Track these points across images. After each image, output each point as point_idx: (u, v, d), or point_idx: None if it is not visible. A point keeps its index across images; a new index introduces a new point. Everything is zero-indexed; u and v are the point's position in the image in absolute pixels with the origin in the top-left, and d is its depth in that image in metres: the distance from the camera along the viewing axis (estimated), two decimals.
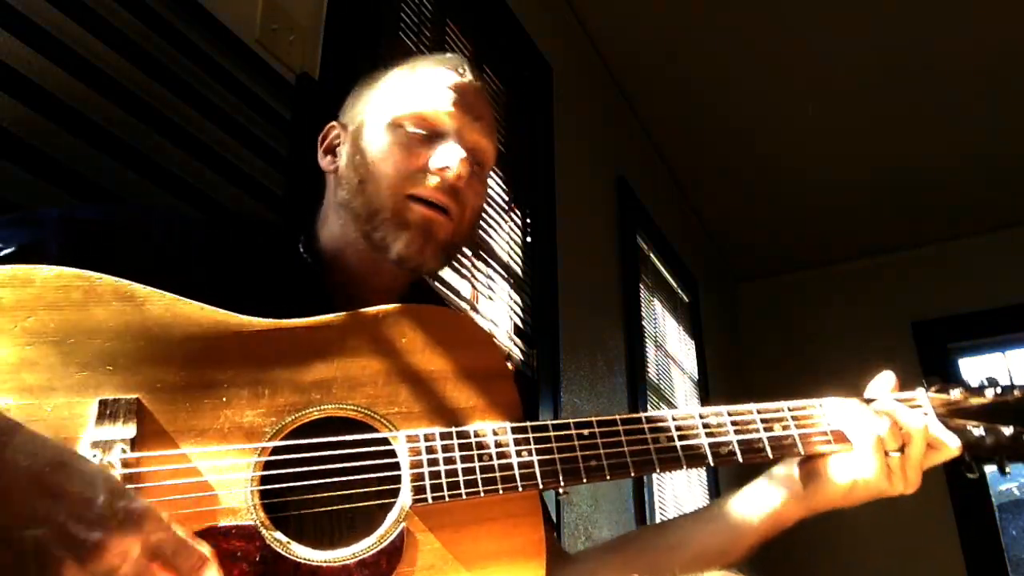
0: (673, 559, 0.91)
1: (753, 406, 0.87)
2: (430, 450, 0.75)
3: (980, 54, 2.95)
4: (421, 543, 0.72)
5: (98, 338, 0.69)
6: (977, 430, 0.88)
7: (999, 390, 0.90)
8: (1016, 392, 0.89)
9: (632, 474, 0.81)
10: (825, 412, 0.87)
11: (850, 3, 2.76)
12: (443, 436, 0.76)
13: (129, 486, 0.63)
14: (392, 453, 0.75)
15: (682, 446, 0.82)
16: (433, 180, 0.89)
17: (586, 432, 0.80)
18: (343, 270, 0.95)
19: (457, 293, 1.82)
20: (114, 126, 1.06)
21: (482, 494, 0.75)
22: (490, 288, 1.99)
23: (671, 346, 3.29)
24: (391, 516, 0.73)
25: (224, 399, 0.71)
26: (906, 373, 0.92)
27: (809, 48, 2.96)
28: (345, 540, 0.72)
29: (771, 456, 0.85)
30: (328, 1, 1.51)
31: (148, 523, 0.57)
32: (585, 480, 0.78)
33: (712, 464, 0.83)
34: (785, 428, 0.86)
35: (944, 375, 0.96)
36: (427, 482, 0.74)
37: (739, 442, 0.84)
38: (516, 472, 0.76)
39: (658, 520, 2.58)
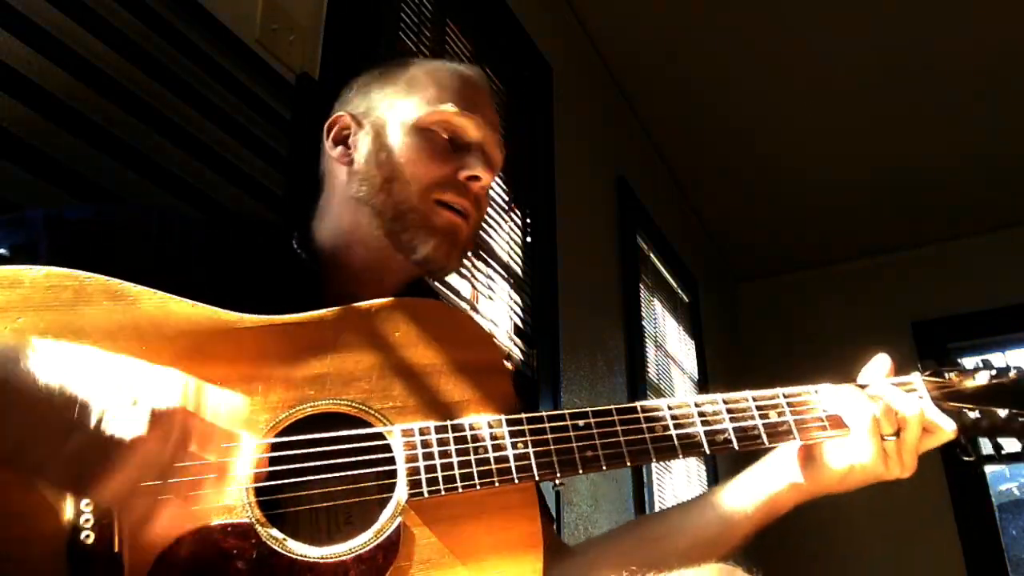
0: (668, 548, 0.91)
1: (748, 393, 0.86)
2: (425, 444, 0.75)
3: (980, 54, 2.95)
4: (417, 537, 0.72)
5: (88, 338, 0.68)
6: (972, 413, 0.88)
7: (994, 372, 0.89)
8: (1010, 374, 0.89)
9: (628, 464, 0.81)
10: (821, 398, 0.87)
11: (850, 3, 2.77)
12: (438, 430, 0.76)
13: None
14: (387, 448, 0.75)
15: (678, 435, 0.82)
16: (459, 187, 0.93)
17: (581, 423, 0.80)
18: (345, 266, 0.95)
19: (457, 293, 1.82)
20: (114, 126, 1.06)
21: (478, 487, 0.75)
22: (490, 288, 2.00)
23: (671, 346, 3.29)
24: (387, 511, 0.73)
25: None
26: (906, 374, 0.92)
27: (809, 48, 2.97)
28: (342, 536, 0.72)
29: (767, 443, 0.84)
30: (328, 1, 1.51)
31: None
32: (581, 471, 0.78)
33: (708, 452, 0.83)
34: (780, 415, 0.85)
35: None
36: (423, 476, 0.74)
37: (735, 429, 0.83)
38: (512, 464, 0.76)
39: None
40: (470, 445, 0.76)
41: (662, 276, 3.37)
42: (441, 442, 0.75)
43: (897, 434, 0.84)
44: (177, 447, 0.62)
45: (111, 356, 0.65)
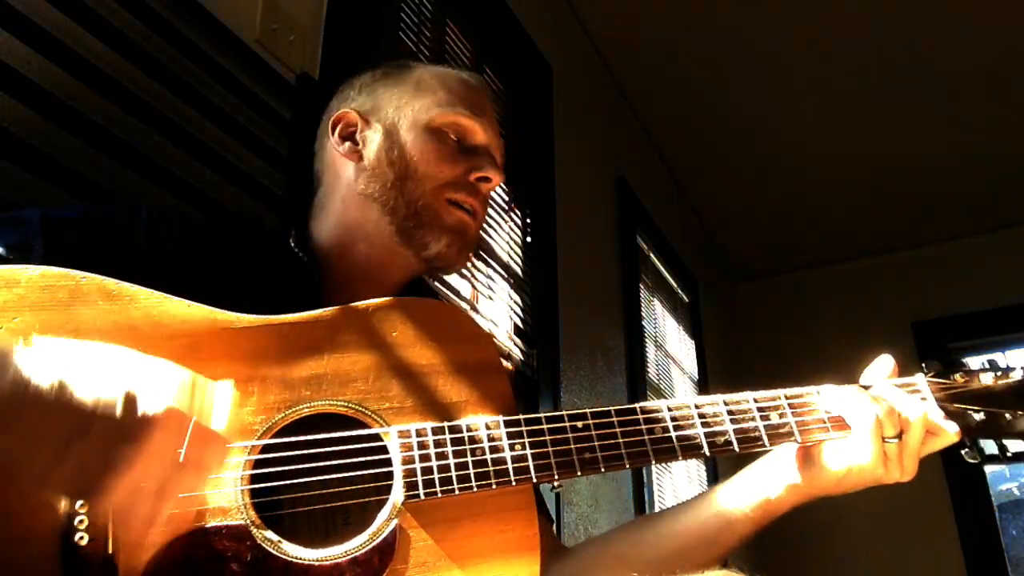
0: (664, 548, 0.91)
1: (749, 394, 0.85)
2: (422, 445, 0.75)
3: (980, 54, 2.95)
4: (414, 540, 0.72)
5: (84, 338, 0.68)
6: (977, 414, 0.87)
7: (998, 373, 0.88)
8: (1015, 375, 0.88)
9: (627, 466, 0.80)
10: (823, 399, 0.86)
11: (850, 3, 2.77)
12: (435, 431, 0.76)
13: None
14: (384, 449, 0.74)
15: (677, 436, 0.81)
16: (469, 187, 0.96)
17: (580, 424, 0.80)
18: (345, 263, 0.96)
19: (457, 293, 1.82)
20: (114, 126, 1.06)
21: (475, 489, 0.74)
22: (490, 288, 2.00)
23: (671, 346, 3.29)
24: (383, 513, 0.72)
25: (213, 398, 0.70)
26: (906, 373, 0.91)
27: (809, 48, 2.97)
28: (339, 537, 0.71)
29: (768, 444, 0.84)
30: (328, 1, 1.51)
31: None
32: (580, 473, 0.78)
33: (708, 454, 0.82)
34: (782, 416, 0.84)
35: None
36: (419, 478, 0.73)
37: (735, 431, 0.83)
38: (509, 466, 0.76)
39: None
40: (467, 447, 0.76)
41: (662, 276, 3.37)
42: (438, 443, 0.75)
43: (899, 437, 0.83)
44: (173, 449, 0.62)
45: (107, 357, 0.64)
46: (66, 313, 0.68)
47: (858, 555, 3.60)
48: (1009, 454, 0.88)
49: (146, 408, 0.61)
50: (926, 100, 3.18)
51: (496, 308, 2.01)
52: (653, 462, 0.82)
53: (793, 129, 3.38)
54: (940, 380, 0.89)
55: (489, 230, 2.06)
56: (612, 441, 0.80)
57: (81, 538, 0.61)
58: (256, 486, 0.70)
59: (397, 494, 0.73)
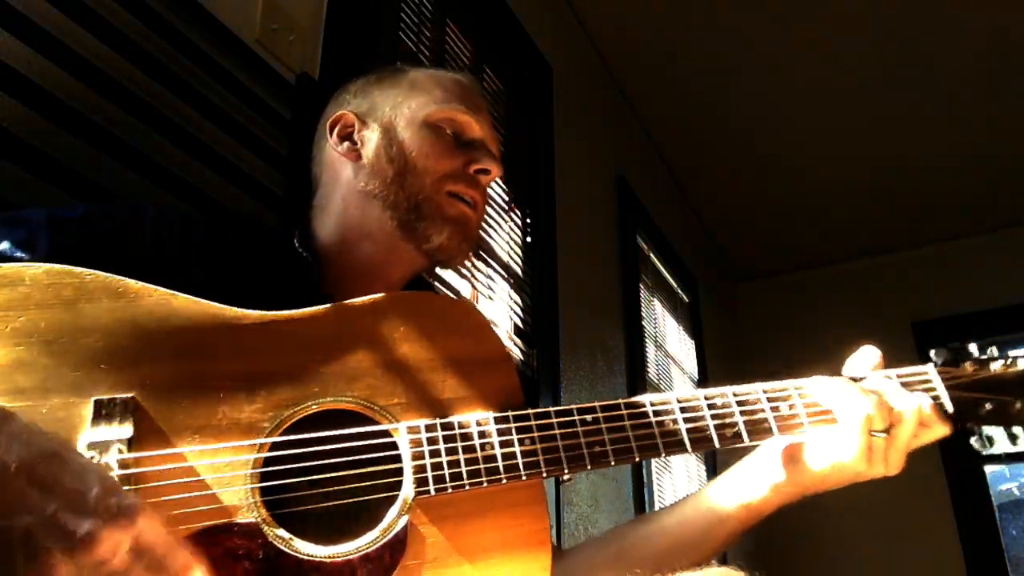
0: (652, 549, 0.91)
1: (759, 385, 0.85)
2: (431, 441, 0.74)
3: (980, 54, 2.96)
4: (425, 536, 0.71)
5: (90, 336, 0.68)
6: (987, 403, 0.86)
7: (1008, 361, 0.88)
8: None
9: (637, 458, 0.80)
10: (812, 390, 0.86)
11: (850, 3, 2.77)
12: (444, 426, 0.75)
13: (128, 487, 0.63)
14: (394, 445, 0.74)
15: (687, 428, 0.81)
16: (469, 179, 0.97)
17: (590, 418, 0.79)
18: (349, 261, 0.96)
19: (457, 293, 1.82)
20: (114, 126, 1.06)
21: (485, 484, 0.74)
22: (490, 288, 2.00)
23: (671, 346, 3.29)
24: (393, 509, 0.72)
25: (221, 395, 0.70)
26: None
27: (809, 48, 2.97)
28: (350, 534, 0.71)
29: (778, 435, 0.83)
30: (328, 1, 1.51)
31: (140, 520, 0.56)
32: (590, 466, 0.77)
33: (718, 446, 0.82)
34: (792, 407, 0.84)
35: None
36: (429, 473, 0.73)
37: (745, 422, 0.82)
38: (519, 461, 0.75)
39: None
40: (476, 442, 0.75)
41: (662, 276, 3.37)
42: (447, 439, 0.75)
43: (887, 431, 0.83)
44: (125, 566, 0.57)
45: (82, 460, 0.59)
46: (71, 311, 0.68)
47: (858, 555, 3.60)
48: (1020, 441, 0.87)
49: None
50: (926, 100, 3.18)
51: (496, 308, 2.01)
52: (663, 455, 0.81)
53: (793, 129, 3.38)
54: (949, 369, 0.88)
55: (489, 230, 2.06)
56: (622, 434, 0.79)
57: None
58: (266, 484, 0.69)
59: (407, 490, 0.73)
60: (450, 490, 0.73)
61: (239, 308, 0.74)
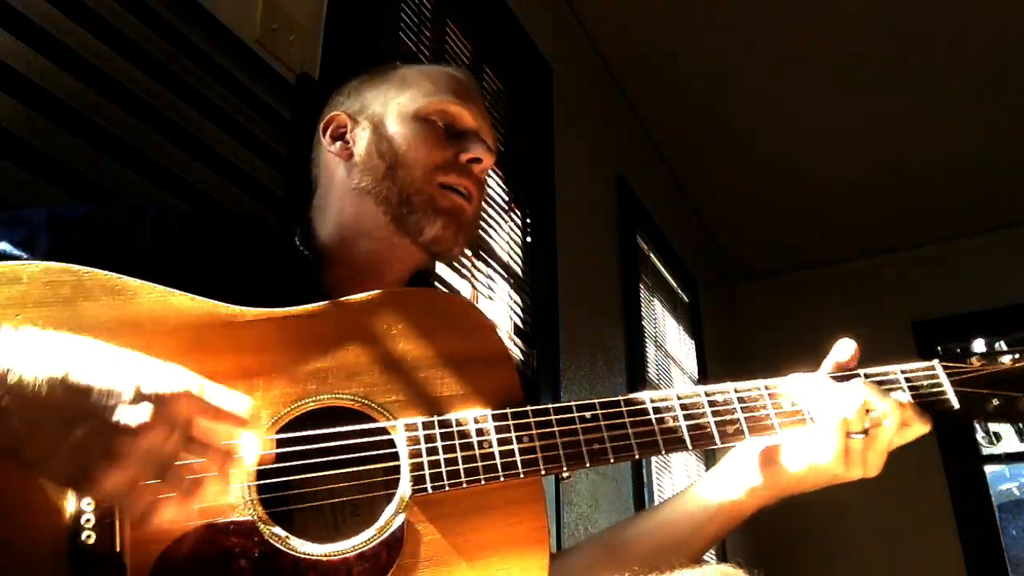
0: (634, 552, 0.90)
1: (761, 382, 0.85)
2: (429, 439, 0.74)
3: (980, 54, 2.96)
4: (422, 534, 0.72)
5: (88, 334, 0.67)
6: (994, 400, 0.85)
7: (1016, 356, 0.86)
8: None
9: (637, 456, 0.79)
10: (789, 389, 0.85)
11: (850, 3, 2.77)
12: (442, 424, 0.75)
13: None
14: (391, 443, 0.74)
15: (688, 425, 0.81)
16: (461, 169, 0.96)
17: (589, 415, 0.79)
18: (348, 259, 0.96)
19: (457, 293, 1.82)
20: (114, 126, 1.06)
21: (483, 482, 0.74)
22: (490, 288, 2.00)
23: (671, 346, 3.29)
24: (391, 507, 0.72)
25: None
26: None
27: (809, 48, 2.97)
28: (347, 531, 0.71)
29: (779, 431, 0.83)
30: (328, 1, 1.51)
31: (178, 400, 0.61)
32: (588, 464, 0.77)
33: (720, 444, 0.81)
34: (794, 404, 0.84)
35: None
36: (426, 471, 0.73)
37: (747, 419, 0.82)
38: (517, 458, 0.75)
39: None
40: (474, 439, 0.75)
41: (662, 276, 3.37)
42: (445, 436, 0.75)
43: (866, 432, 0.81)
44: (179, 444, 0.61)
45: (112, 351, 0.64)
46: (69, 308, 0.68)
47: (858, 554, 3.60)
48: None
49: (152, 404, 0.61)
50: (926, 100, 3.18)
51: (496, 308, 2.01)
52: (664, 452, 0.81)
53: (793, 129, 3.38)
54: (956, 364, 0.87)
55: (489, 230, 2.06)
56: (621, 431, 0.79)
57: (88, 537, 0.61)
58: (263, 481, 0.69)
59: (404, 488, 0.73)
60: (447, 488, 0.73)
61: (239, 306, 0.74)
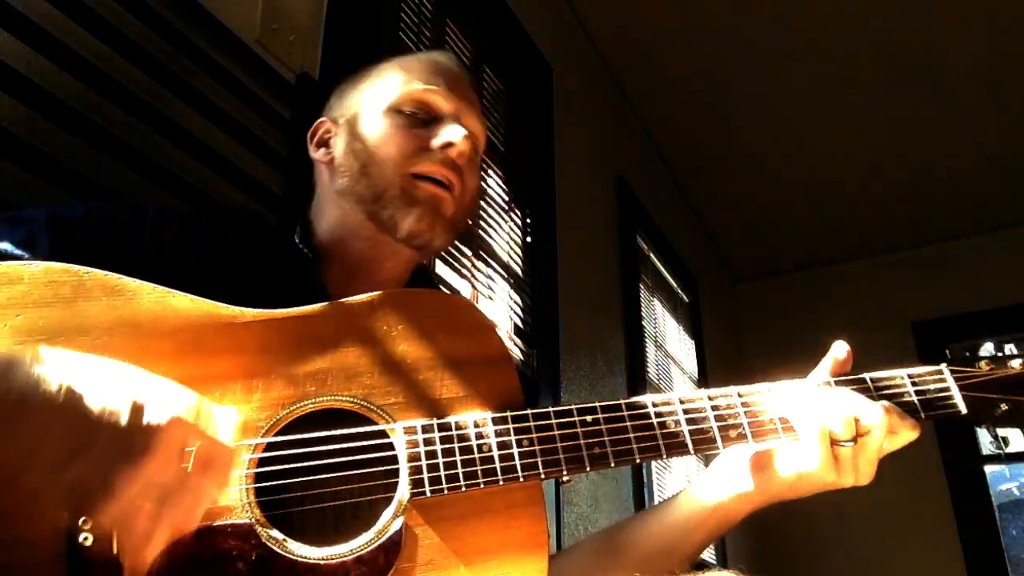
0: (624, 558, 0.89)
1: (766, 385, 0.83)
2: (428, 442, 0.74)
3: (980, 54, 2.95)
4: (420, 537, 0.71)
5: (88, 335, 0.67)
6: (1003, 404, 0.83)
7: None
8: None
9: (638, 460, 0.78)
10: (771, 397, 0.84)
11: (850, 3, 2.77)
12: (441, 427, 0.75)
13: None
14: (390, 445, 0.74)
15: (690, 430, 0.79)
16: (436, 157, 0.92)
17: (590, 419, 0.78)
18: (344, 261, 0.96)
19: (457, 293, 1.82)
20: (114, 126, 1.06)
21: (482, 486, 0.73)
22: (490, 288, 2.00)
23: (671, 346, 3.29)
24: (389, 510, 0.72)
25: (217, 394, 0.70)
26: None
27: (809, 48, 2.97)
28: (346, 535, 0.71)
29: (782, 436, 0.81)
30: (328, 1, 1.51)
31: (174, 427, 0.60)
32: (589, 468, 0.76)
33: (723, 448, 0.80)
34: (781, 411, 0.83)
35: None
36: (425, 475, 0.72)
37: (750, 423, 0.81)
38: (517, 462, 0.74)
39: None
40: (474, 443, 0.74)
41: (662, 276, 3.37)
42: (444, 439, 0.74)
43: (854, 440, 0.80)
44: (177, 472, 0.61)
45: (109, 367, 0.63)
46: (69, 309, 0.68)
47: (859, 555, 3.60)
48: None
49: (150, 409, 0.61)
50: (926, 100, 3.18)
51: (496, 308, 2.01)
52: (665, 456, 0.79)
53: (793, 129, 3.38)
54: (964, 368, 0.86)
55: (489, 230, 2.06)
56: (623, 435, 0.78)
57: (86, 539, 0.61)
58: (261, 484, 0.69)
59: (403, 491, 0.72)
60: (446, 491, 0.72)
61: (238, 307, 0.74)
